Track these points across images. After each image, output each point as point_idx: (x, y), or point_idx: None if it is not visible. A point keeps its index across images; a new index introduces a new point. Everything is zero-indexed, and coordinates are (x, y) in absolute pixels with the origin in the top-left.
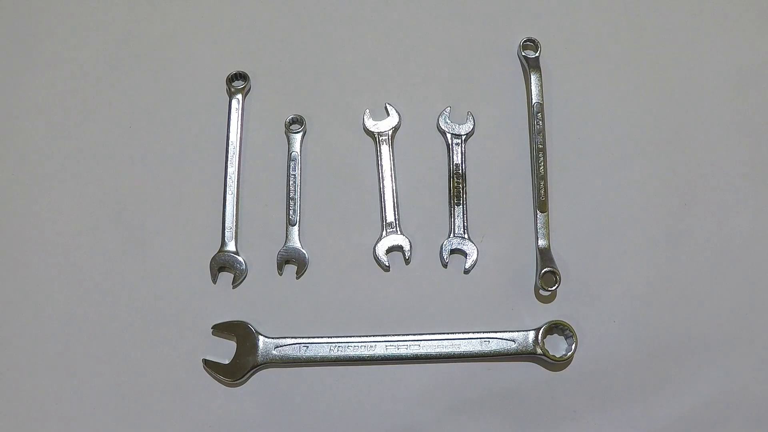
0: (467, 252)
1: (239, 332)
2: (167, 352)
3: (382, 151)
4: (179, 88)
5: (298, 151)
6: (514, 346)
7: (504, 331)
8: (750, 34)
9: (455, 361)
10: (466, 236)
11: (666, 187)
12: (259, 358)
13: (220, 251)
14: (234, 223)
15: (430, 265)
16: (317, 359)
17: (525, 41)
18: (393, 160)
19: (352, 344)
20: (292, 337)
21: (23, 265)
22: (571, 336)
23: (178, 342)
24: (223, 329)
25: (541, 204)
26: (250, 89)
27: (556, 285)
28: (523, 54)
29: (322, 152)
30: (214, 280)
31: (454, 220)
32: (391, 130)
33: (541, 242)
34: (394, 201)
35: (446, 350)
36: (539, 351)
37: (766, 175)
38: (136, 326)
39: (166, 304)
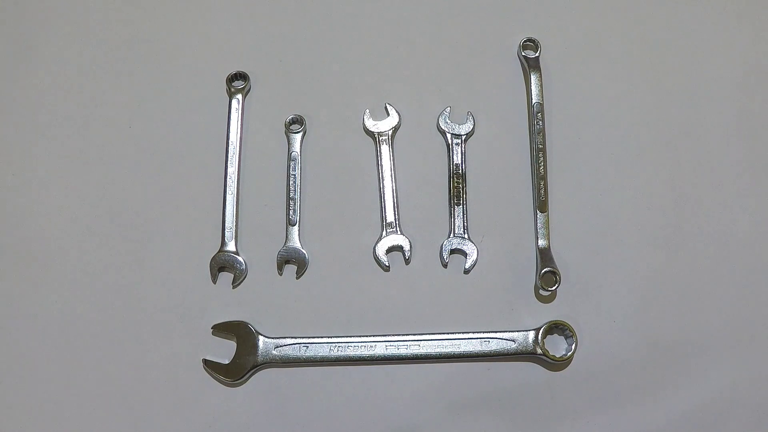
0: (467, 252)
1: (239, 332)
2: (167, 352)
3: (382, 151)
4: (179, 88)
5: (298, 151)
6: (514, 346)
7: (504, 331)
8: (750, 33)
9: (455, 361)
10: (466, 236)
11: (666, 187)
12: (259, 358)
13: (220, 251)
14: (234, 223)
15: (430, 265)
16: (317, 359)
17: (525, 41)
18: (393, 160)
19: (352, 344)
20: (292, 337)
21: (23, 265)
22: (571, 336)
23: (178, 342)
24: (223, 329)
25: (541, 204)
26: (250, 89)
27: (556, 285)
28: (523, 54)
29: (322, 152)
30: (214, 280)
31: (454, 220)
32: (391, 130)
33: (541, 242)
34: (394, 201)
35: (446, 350)
36: (539, 351)
37: (766, 175)
38: (136, 326)
39: (166, 304)
